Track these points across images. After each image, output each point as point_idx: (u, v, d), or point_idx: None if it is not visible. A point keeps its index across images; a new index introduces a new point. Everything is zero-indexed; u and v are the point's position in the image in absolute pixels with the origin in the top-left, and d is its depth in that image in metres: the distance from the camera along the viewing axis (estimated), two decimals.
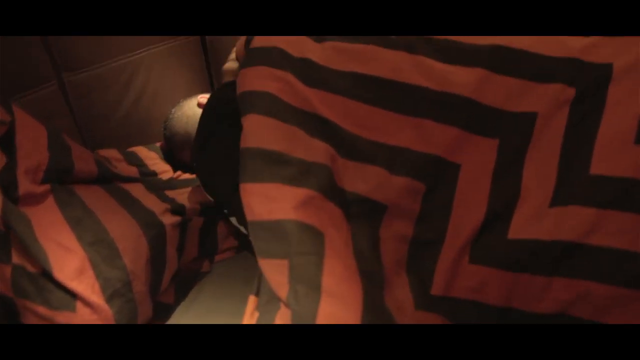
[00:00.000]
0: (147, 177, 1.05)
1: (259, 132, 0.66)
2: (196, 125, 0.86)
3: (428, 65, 0.68)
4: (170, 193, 1.00)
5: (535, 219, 0.58)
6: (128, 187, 0.93)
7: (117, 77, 1.16)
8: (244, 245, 0.98)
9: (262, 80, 0.70)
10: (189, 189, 1.04)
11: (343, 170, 0.67)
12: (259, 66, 0.72)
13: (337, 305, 0.58)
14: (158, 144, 1.24)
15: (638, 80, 0.58)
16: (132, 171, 1.04)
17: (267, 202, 0.63)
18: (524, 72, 0.65)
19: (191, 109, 1.11)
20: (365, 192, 0.66)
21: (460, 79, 0.67)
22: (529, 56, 0.65)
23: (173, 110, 1.17)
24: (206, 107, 0.86)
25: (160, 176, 1.11)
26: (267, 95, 0.69)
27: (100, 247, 0.72)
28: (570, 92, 0.62)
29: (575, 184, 0.57)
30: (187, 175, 1.13)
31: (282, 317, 0.61)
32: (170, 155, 1.19)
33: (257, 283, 0.74)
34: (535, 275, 0.57)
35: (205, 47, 1.42)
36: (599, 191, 0.56)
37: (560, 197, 0.58)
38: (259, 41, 0.76)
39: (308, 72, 0.71)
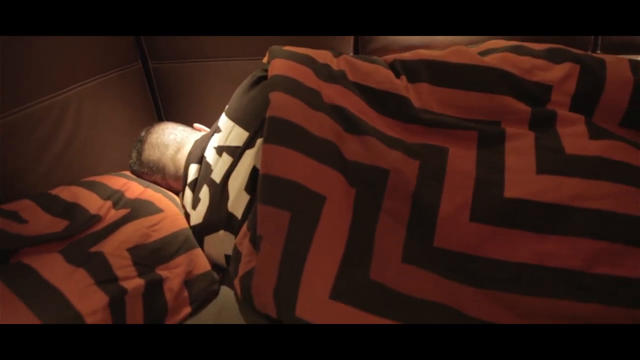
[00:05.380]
0: (70, 230, 0.81)
1: (284, 106, 0.76)
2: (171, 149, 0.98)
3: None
4: (97, 248, 0.76)
5: (526, 182, 0.69)
6: (38, 263, 0.71)
7: (36, 124, 0.94)
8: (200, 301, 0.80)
9: (288, 69, 0.83)
10: (123, 230, 0.81)
11: (347, 144, 0.76)
12: (287, 59, 0.86)
13: (323, 256, 0.69)
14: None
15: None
16: (48, 224, 0.81)
17: (284, 163, 0.72)
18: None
19: (160, 138, 1.01)
20: (368, 160, 0.74)
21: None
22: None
23: (143, 148, 1.01)
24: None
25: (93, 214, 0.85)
26: (292, 79, 0.81)
27: None
28: (527, 109, 0.80)
29: (555, 160, 0.71)
30: (118, 213, 0.87)
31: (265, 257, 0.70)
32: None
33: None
34: (529, 232, 0.65)
35: (149, 77, 1.26)
36: (579, 165, 0.69)
37: (545, 168, 0.70)
38: (290, 47, 0.92)
39: (326, 72, 0.86)
